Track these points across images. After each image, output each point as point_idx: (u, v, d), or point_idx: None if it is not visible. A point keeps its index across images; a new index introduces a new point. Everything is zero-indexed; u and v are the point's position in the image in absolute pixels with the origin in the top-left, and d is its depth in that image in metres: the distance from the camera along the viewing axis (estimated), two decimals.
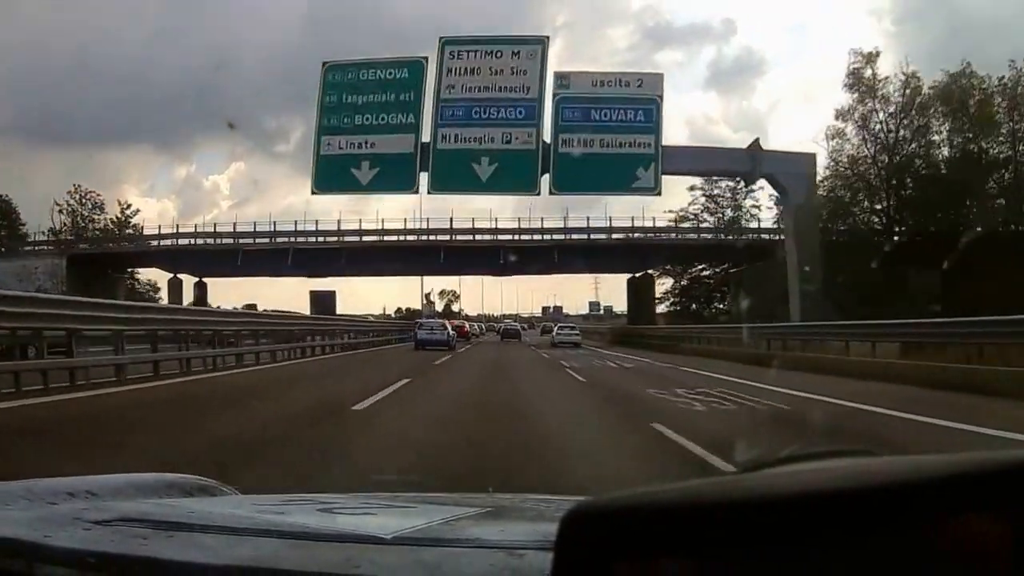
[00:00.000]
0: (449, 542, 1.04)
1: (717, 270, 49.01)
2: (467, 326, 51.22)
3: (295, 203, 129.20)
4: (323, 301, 48.34)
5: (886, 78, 34.48)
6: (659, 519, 0.52)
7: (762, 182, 32.92)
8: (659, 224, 46.24)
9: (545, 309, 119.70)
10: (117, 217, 51.87)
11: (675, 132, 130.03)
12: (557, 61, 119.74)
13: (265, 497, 1.66)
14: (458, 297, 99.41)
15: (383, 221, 45.92)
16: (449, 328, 32.10)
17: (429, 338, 29.04)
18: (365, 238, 45.07)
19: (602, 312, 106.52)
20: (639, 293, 51.24)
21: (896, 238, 33.88)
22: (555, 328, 49.13)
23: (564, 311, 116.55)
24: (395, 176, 28.92)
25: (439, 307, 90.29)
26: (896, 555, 0.49)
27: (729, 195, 46.27)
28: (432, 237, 45.25)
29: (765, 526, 0.51)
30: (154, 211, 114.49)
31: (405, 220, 45.42)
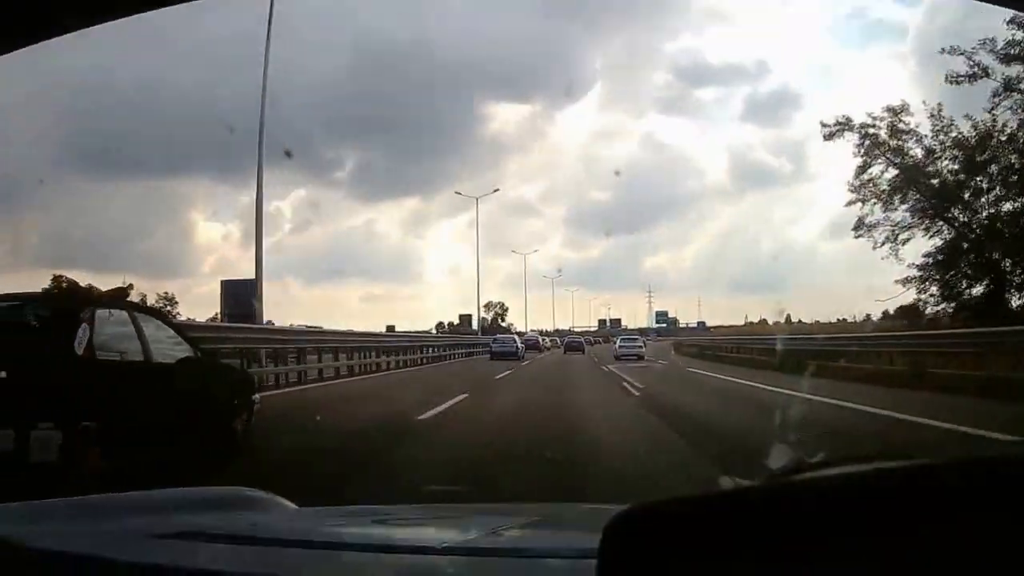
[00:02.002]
0: (499, 552, 1.06)
1: None
2: (540, 339, 56.18)
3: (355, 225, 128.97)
4: (239, 295, 25.74)
5: None
6: (701, 525, 0.53)
7: None
8: None
9: (602, 322, 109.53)
10: None
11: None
12: (598, 102, 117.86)
13: (322, 510, 1.69)
14: (506, 310, 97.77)
15: None
16: (518, 341, 38.57)
17: (501, 350, 34.58)
18: None
19: (665, 324, 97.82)
20: None
21: None
22: (617, 341, 42.00)
23: (623, 323, 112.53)
24: None
25: (486, 319, 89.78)
26: (934, 549, 0.49)
27: None
28: None
29: (806, 528, 0.51)
30: (219, 234, 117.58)
31: None
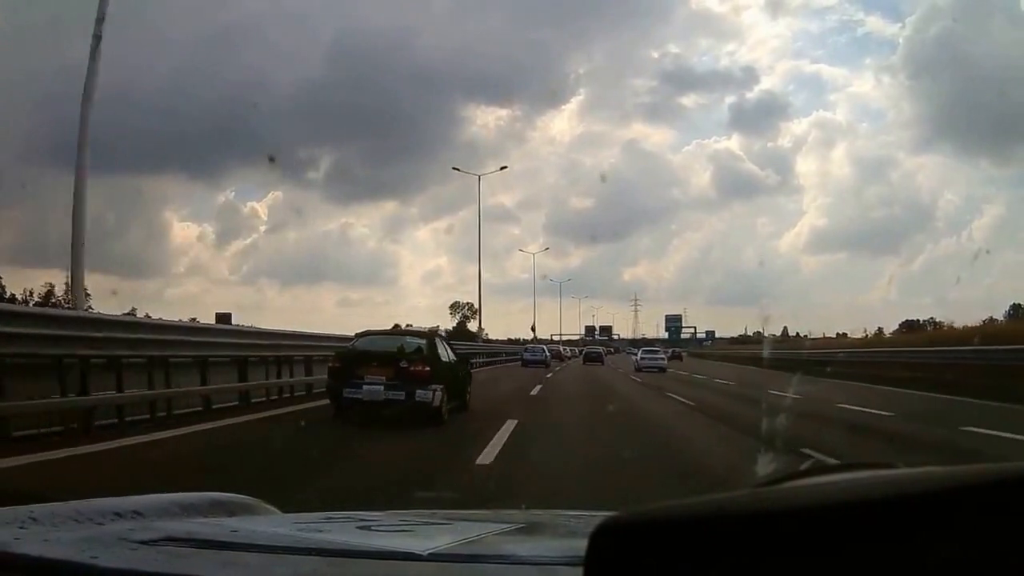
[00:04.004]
0: (483, 558, 1.06)
1: None
2: (562, 349, 60.69)
3: (332, 229, 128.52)
4: None
5: None
6: (687, 532, 0.53)
7: None
8: None
9: (589, 329, 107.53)
10: None
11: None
12: (579, 110, 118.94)
13: (306, 515, 1.68)
14: (475, 312, 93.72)
15: None
16: (546, 351, 43.55)
17: (532, 358, 39.34)
18: None
19: (668, 335, 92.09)
20: None
21: None
22: (639, 353, 41.83)
23: (614, 332, 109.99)
24: None
25: (453, 322, 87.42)
26: (916, 563, 0.49)
27: None
28: None
29: (791, 537, 0.51)
30: (193, 234, 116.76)
31: None
